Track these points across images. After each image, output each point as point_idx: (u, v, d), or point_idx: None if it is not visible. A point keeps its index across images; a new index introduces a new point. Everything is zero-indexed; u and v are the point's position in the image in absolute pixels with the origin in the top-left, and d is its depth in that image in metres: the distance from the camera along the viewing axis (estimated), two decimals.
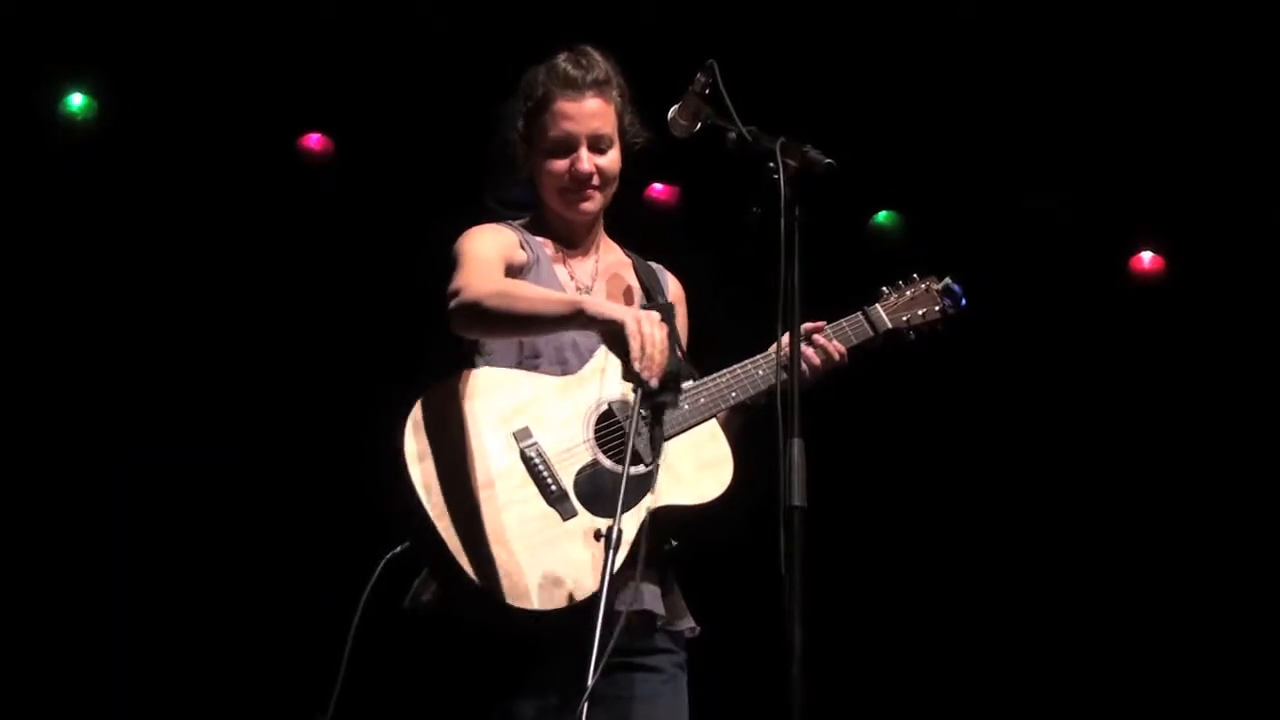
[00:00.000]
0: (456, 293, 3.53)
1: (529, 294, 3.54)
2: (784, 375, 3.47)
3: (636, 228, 4.00)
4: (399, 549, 3.52)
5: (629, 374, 3.27)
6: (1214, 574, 6.95)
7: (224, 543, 6.45)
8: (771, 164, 3.26)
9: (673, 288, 3.93)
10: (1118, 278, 7.22)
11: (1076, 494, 7.04)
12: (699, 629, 3.70)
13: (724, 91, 3.46)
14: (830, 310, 3.78)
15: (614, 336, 3.32)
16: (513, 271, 3.68)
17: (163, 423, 6.49)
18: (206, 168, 6.55)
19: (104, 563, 6.39)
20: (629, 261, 3.91)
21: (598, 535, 3.20)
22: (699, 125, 3.56)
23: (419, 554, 3.49)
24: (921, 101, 6.73)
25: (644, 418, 3.42)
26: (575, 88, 3.71)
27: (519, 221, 3.82)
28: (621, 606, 3.44)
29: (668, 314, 3.37)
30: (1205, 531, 6.98)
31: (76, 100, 6.54)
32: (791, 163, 3.26)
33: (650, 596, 3.58)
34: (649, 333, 3.27)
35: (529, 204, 3.82)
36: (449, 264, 3.63)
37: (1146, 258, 7.23)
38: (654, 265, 3.94)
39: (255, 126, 6.57)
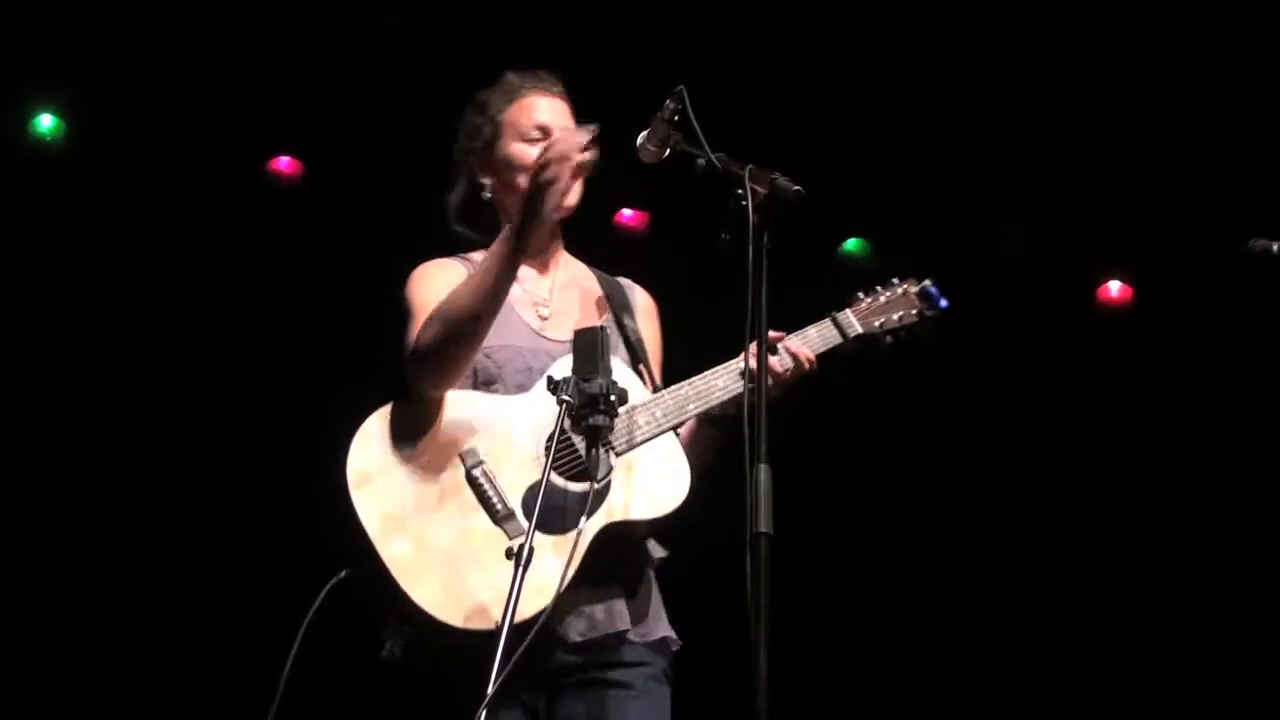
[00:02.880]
0: (408, 355, 3.51)
1: (458, 295, 3.48)
2: (742, 385, 3.51)
3: (605, 254, 3.99)
4: (343, 574, 3.46)
5: None
6: (1183, 599, 6.95)
7: (222, 543, 6.46)
8: (740, 191, 3.25)
9: (641, 302, 3.89)
10: (1085, 307, 7.25)
11: (1042, 523, 7.04)
12: (680, 643, 3.65)
13: (693, 117, 3.46)
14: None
15: (537, 197, 3.41)
16: None
17: (156, 427, 6.51)
18: (177, 189, 6.54)
19: (104, 563, 6.39)
20: (593, 275, 3.88)
21: (508, 554, 3.17)
22: (668, 151, 3.55)
23: (360, 579, 3.44)
24: (890, 129, 6.75)
25: (592, 430, 3.39)
26: (545, 89, 3.79)
27: (474, 252, 3.75)
28: (578, 636, 3.48)
29: (596, 337, 3.34)
30: (1174, 558, 6.99)
31: (46, 122, 6.52)
32: (760, 189, 3.25)
33: (609, 616, 3.54)
34: (551, 153, 3.40)
35: (494, 230, 3.68)
36: (399, 313, 3.63)
37: (1114, 287, 7.26)
38: (621, 281, 3.91)
39: (225, 149, 6.56)
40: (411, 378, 3.52)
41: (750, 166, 3.29)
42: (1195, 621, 6.93)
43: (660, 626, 3.64)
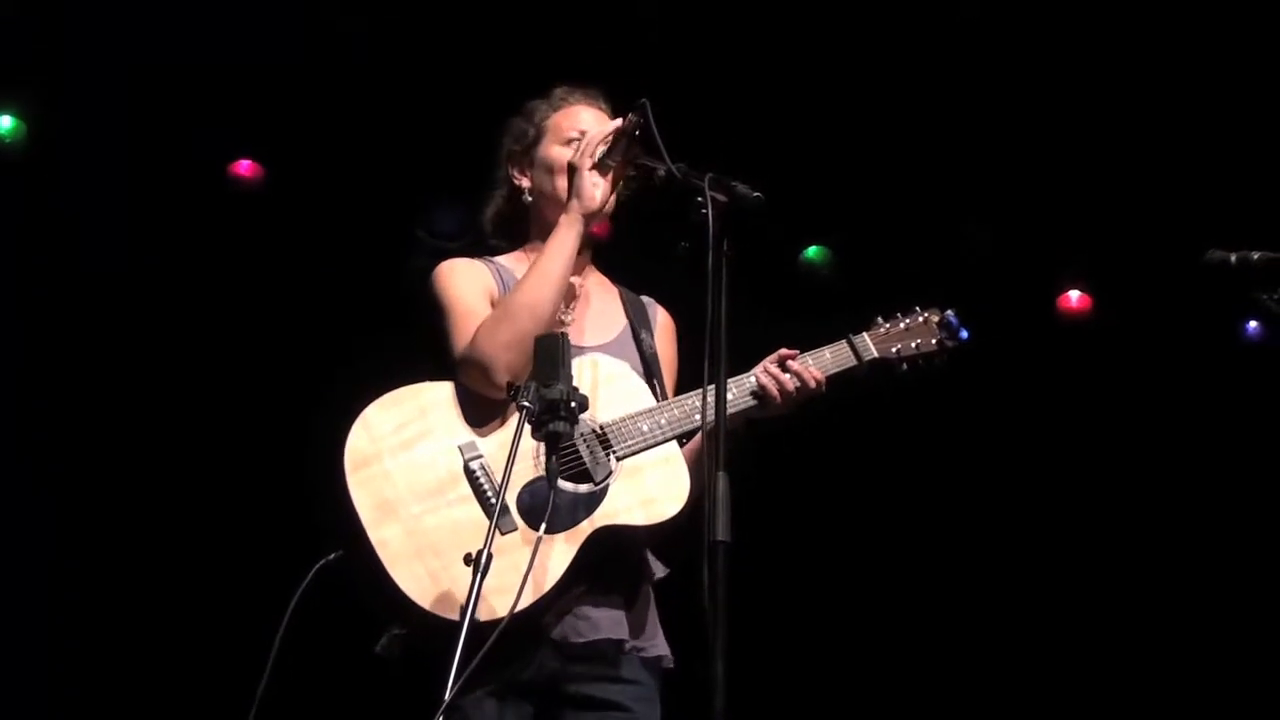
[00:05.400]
0: (465, 358, 3.52)
1: (528, 288, 3.56)
2: (753, 401, 3.61)
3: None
4: (332, 556, 3.47)
5: None
6: (1145, 607, 7.00)
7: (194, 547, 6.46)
8: (700, 199, 3.26)
9: (661, 320, 3.91)
10: (1046, 316, 7.27)
11: (1001, 530, 7.06)
12: (673, 662, 3.65)
13: (655, 131, 3.47)
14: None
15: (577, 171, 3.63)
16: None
17: (121, 432, 6.51)
18: (137, 192, 6.50)
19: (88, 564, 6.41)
20: (615, 290, 3.90)
21: (467, 560, 3.14)
22: (629, 164, 3.62)
23: (350, 561, 3.45)
24: (853, 136, 6.75)
25: (594, 436, 3.47)
26: (590, 101, 3.85)
27: (498, 257, 3.81)
28: (578, 637, 3.49)
29: (557, 343, 3.32)
30: (1133, 566, 7.03)
31: (5, 123, 6.49)
32: (720, 197, 3.26)
33: (610, 622, 3.55)
34: (584, 147, 3.63)
35: (527, 239, 3.83)
36: (429, 307, 3.65)
37: (1074, 296, 7.28)
38: (644, 299, 3.93)
39: (186, 151, 6.53)
40: (473, 375, 3.52)
41: (710, 175, 3.30)
42: (1157, 622, 6.99)
43: (657, 644, 3.65)
